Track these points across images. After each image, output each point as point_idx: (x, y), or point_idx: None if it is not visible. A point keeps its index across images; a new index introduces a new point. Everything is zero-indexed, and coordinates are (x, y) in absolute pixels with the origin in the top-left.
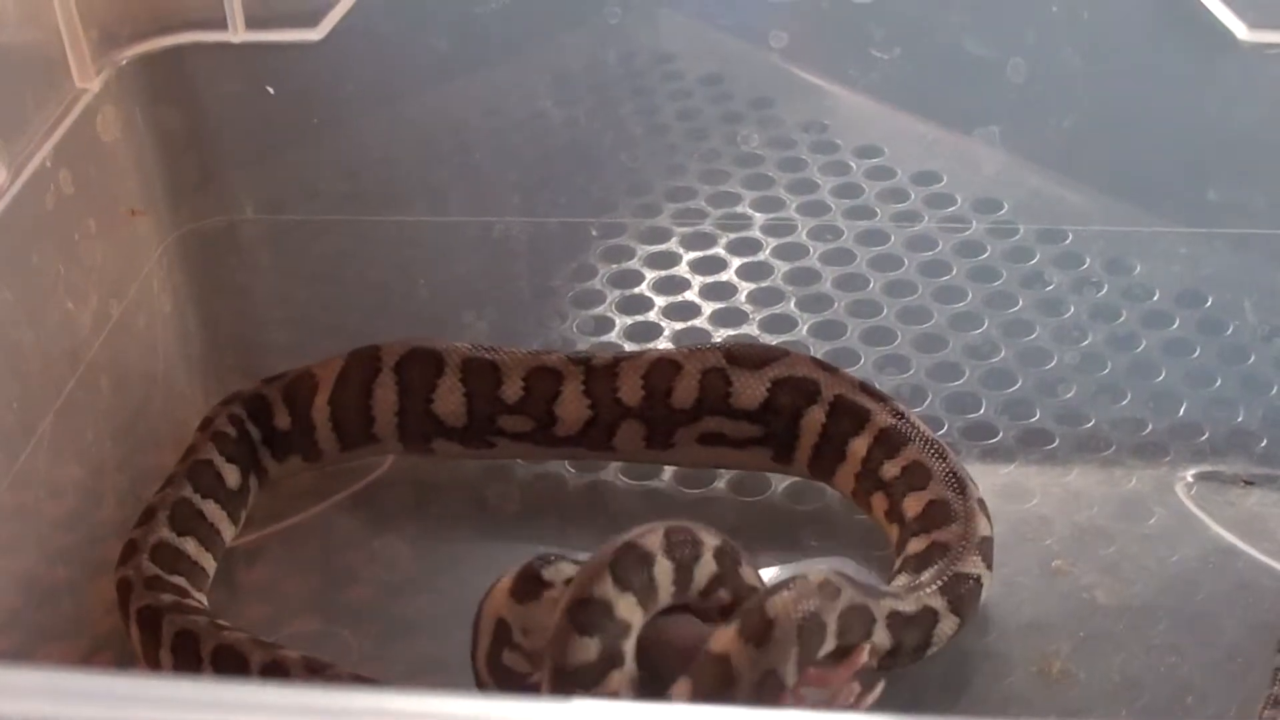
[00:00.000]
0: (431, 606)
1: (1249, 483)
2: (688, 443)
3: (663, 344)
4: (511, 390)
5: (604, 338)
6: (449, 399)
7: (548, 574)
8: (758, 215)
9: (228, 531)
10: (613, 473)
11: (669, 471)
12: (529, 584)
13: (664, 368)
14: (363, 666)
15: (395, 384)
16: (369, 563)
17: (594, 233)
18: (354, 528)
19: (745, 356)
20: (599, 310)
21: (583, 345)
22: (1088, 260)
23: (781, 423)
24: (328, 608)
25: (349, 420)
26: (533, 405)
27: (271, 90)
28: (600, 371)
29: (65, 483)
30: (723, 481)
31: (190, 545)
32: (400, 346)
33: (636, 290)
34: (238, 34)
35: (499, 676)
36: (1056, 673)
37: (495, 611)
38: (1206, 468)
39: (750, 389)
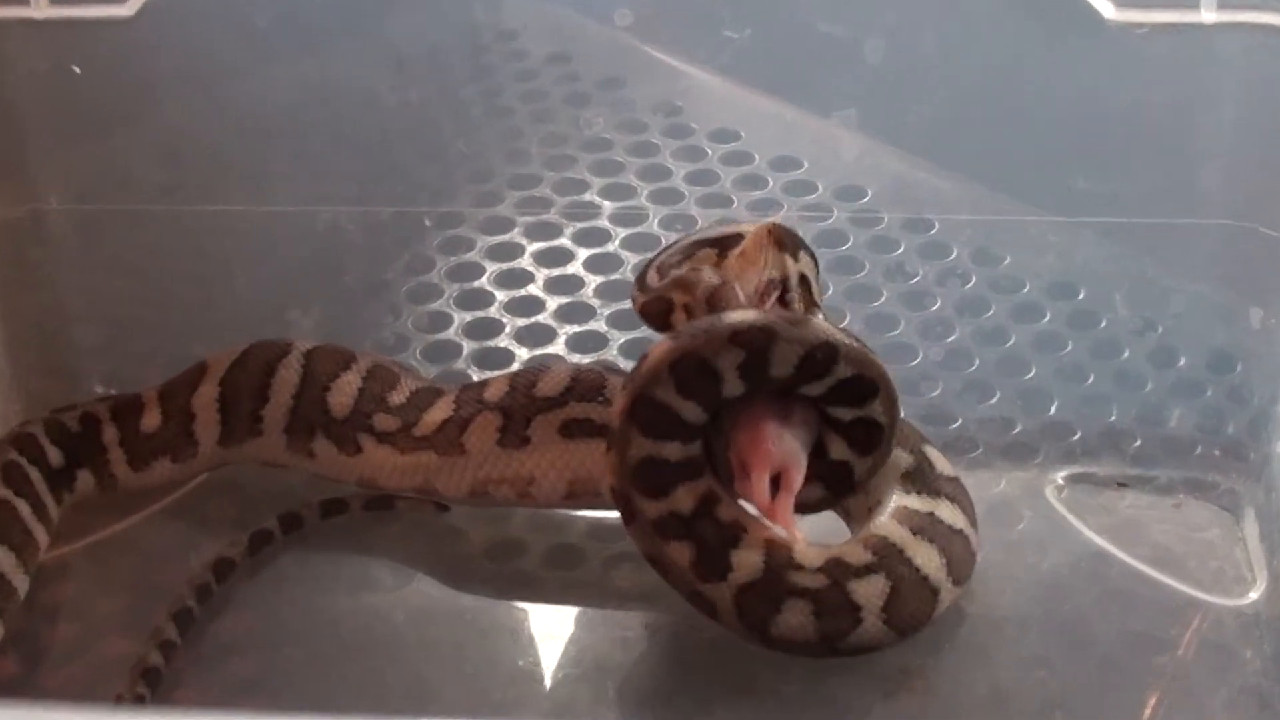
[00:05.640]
0: (253, 626)
1: (1122, 485)
2: (546, 436)
3: (504, 341)
4: (398, 396)
5: (440, 335)
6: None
7: None
8: (606, 203)
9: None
10: None
11: None
12: None
13: (533, 371)
14: (178, 692)
15: (300, 370)
16: (187, 580)
17: (429, 223)
18: (170, 542)
19: None
20: (435, 305)
21: (418, 343)
22: (955, 250)
23: None
24: (141, 628)
25: (238, 406)
26: (408, 410)
27: (78, 70)
28: (474, 386)
29: None
30: None
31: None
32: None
33: (476, 284)
34: (40, 9)
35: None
36: (920, 687)
37: None
38: (1078, 469)
39: None
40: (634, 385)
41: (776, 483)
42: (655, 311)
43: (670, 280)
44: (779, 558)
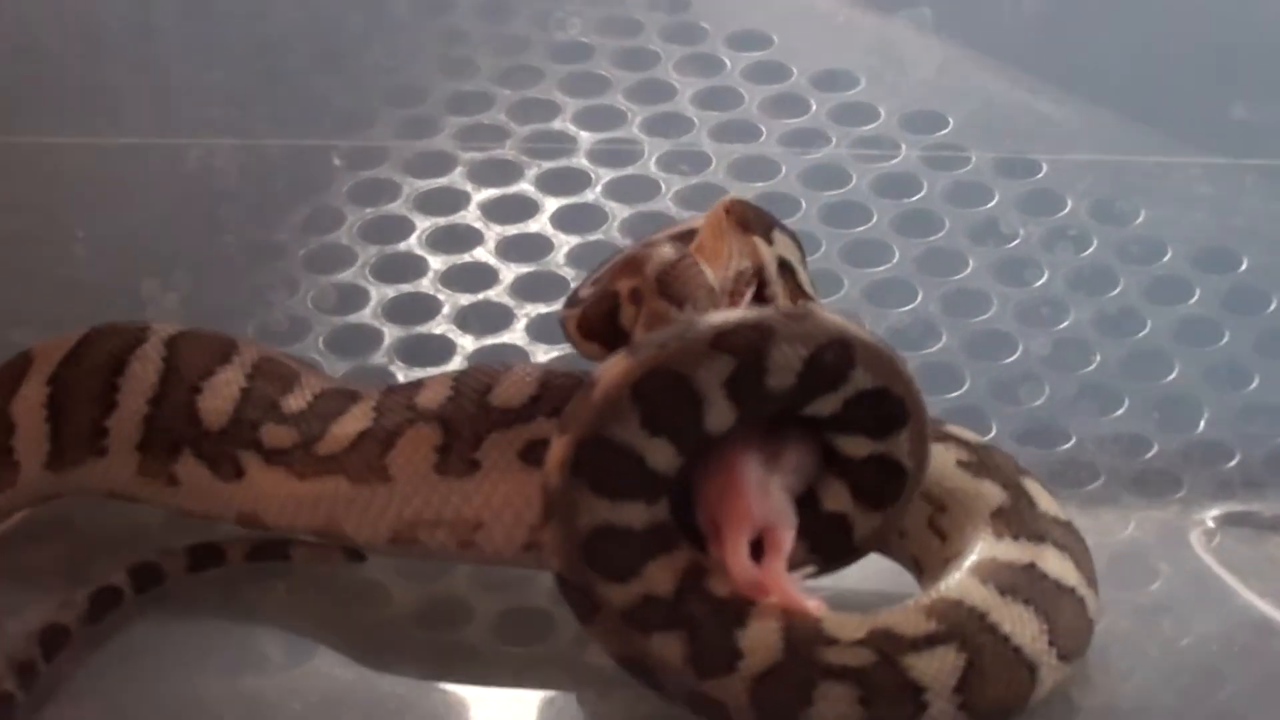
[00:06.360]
0: (96, 717)
1: None
2: (502, 462)
3: (442, 327)
4: (295, 401)
5: (353, 317)
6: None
7: None
8: (584, 135)
9: None
10: None
11: None
12: None
13: (488, 371)
14: None
15: (160, 365)
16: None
17: (338, 161)
18: None
19: None
20: (345, 276)
21: (321, 328)
22: (1069, 203)
23: None
24: None
25: (74, 415)
26: (309, 420)
27: None
28: (403, 389)
29: None
30: None
31: None
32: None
33: (402, 246)
34: None
35: None
36: None
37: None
38: (1235, 507)
39: None
40: (580, 424)
41: (759, 545)
42: (597, 318)
43: (611, 271)
44: (804, 631)
